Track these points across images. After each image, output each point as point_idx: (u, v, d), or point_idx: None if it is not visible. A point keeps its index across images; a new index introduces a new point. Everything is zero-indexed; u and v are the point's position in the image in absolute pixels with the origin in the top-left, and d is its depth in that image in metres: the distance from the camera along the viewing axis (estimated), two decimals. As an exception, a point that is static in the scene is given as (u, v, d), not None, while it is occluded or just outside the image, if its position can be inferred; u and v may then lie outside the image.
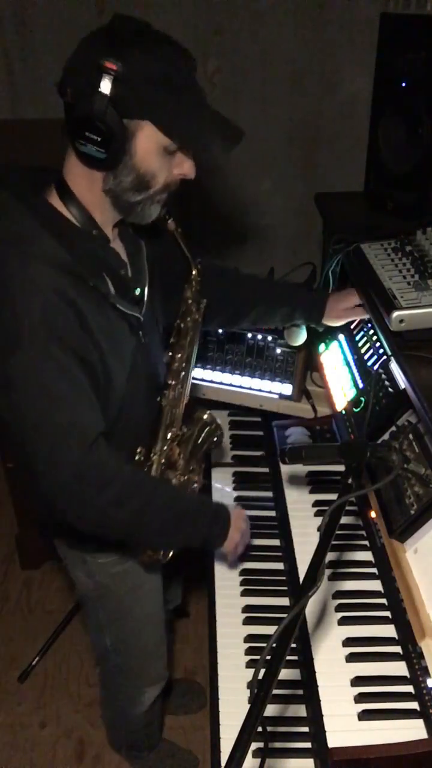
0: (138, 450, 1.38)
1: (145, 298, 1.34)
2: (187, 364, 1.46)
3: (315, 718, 1.23)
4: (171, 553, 1.43)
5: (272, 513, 1.75)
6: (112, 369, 1.23)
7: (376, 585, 1.44)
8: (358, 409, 1.64)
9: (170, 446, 1.44)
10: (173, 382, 1.43)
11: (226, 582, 1.56)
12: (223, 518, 1.39)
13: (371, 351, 1.67)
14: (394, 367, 1.51)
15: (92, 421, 1.18)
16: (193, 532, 1.35)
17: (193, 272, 1.45)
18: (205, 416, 1.50)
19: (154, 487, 1.32)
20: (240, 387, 1.94)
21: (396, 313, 1.40)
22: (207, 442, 1.50)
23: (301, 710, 1.31)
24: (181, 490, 1.42)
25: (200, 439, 1.49)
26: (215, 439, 1.52)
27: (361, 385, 1.68)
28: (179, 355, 1.44)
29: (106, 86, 1.04)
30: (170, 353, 1.45)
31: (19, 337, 1.08)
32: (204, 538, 1.37)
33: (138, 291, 1.31)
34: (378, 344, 1.64)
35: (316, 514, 1.63)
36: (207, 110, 1.14)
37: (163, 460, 1.41)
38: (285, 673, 1.33)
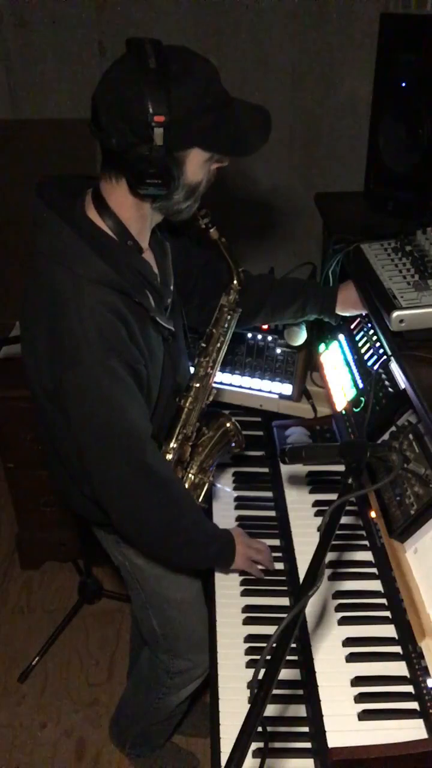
0: None
1: (172, 304, 1.40)
2: (212, 369, 1.51)
3: (315, 718, 1.23)
4: None
5: (272, 513, 1.75)
6: (151, 377, 1.31)
7: (376, 585, 1.44)
8: (358, 409, 1.64)
9: (183, 445, 1.49)
10: (197, 385, 1.49)
11: (226, 582, 1.56)
12: (230, 540, 1.49)
13: (371, 351, 1.67)
14: (394, 367, 1.51)
15: (145, 425, 1.28)
16: (209, 551, 1.46)
17: (234, 281, 1.50)
18: (228, 424, 1.58)
19: (192, 500, 1.47)
20: (240, 387, 1.94)
21: (396, 313, 1.40)
22: (224, 447, 1.58)
23: (301, 710, 1.31)
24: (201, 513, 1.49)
25: (218, 444, 1.57)
26: (233, 444, 1.59)
27: (361, 385, 1.68)
28: (206, 360, 1.50)
29: (159, 137, 1.11)
30: (197, 358, 1.51)
31: (77, 352, 1.15)
32: (215, 559, 1.49)
33: (168, 300, 1.38)
34: (378, 344, 1.64)
35: (316, 514, 1.63)
36: (239, 110, 1.20)
37: (170, 456, 1.48)
38: (285, 673, 1.33)
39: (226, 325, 1.51)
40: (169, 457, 1.47)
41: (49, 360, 1.19)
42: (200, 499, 1.53)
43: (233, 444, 1.60)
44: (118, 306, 1.19)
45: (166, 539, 1.37)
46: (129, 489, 1.28)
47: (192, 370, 1.54)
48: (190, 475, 1.52)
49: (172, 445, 1.48)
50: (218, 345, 1.51)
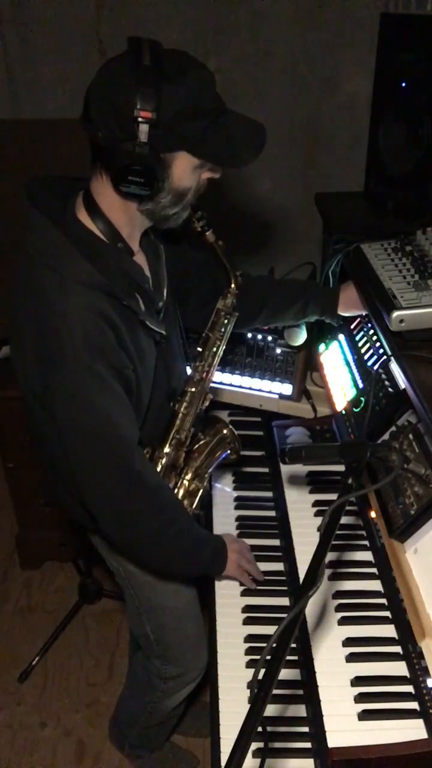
0: (145, 451, 1.41)
1: (165, 307, 1.39)
2: (207, 374, 1.50)
3: (315, 718, 1.23)
4: None
5: (272, 513, 1.75)
6: (141, 382, 1.29)
7: (376, 585, 1.44)
8: (358, 409, 1.64)
9: (177, 450, 1.48)
10: (193, 390, 1.48)
11: (226, 582, 1.56)
12: (222, 546, 1.48)
13: (371, 351, 1.67)
14: (394, 367, 1.51)
15: (132, 432, 1.25)
16: (200, 559, 1.45)
17: (232, 285, 1.49)
18: (225, 431, 1.57)
19: (182, 508, 1.44)
20: (240, 387, 1.94)
21: (396, 313, 1.40)
22: (221, 454, 1.57)
23: (301, 710, 1.31)
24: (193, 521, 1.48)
25: (215, 450, 1.56)
26: (228, 452, 1.58)
27: (361, 385, 1.68)
28: (202, 364, 1.49)
29: (144, 134, 1.09)
30: (194, 362, 1.50)
31: (63, 356, 1.13)
32: (207, 567, 1.48)
33: (161, 304, 1.37)
34: (378, 344, 1.64)
35: (316, 514, 1.63)
36: (232, 121, 1.18)
37: (163, 461, 1.46)
38: (285, 673, 1.33)
39: (222, 329, 1.50)
40: (162, 462, 1.45)
41: (37, 363, 1.17)
42: (194, 506, 1.52)
43: (229, 451, 1.59)
44: (105, 309, 1.17)
45: (155, 547, 1.36)
46: (116, 496, 1.26)
47: (189, 373, 1.53)
48: (184, 482, 1.51)
49: (166, 450, 1.46)
50: (214, 349, 1.50)
